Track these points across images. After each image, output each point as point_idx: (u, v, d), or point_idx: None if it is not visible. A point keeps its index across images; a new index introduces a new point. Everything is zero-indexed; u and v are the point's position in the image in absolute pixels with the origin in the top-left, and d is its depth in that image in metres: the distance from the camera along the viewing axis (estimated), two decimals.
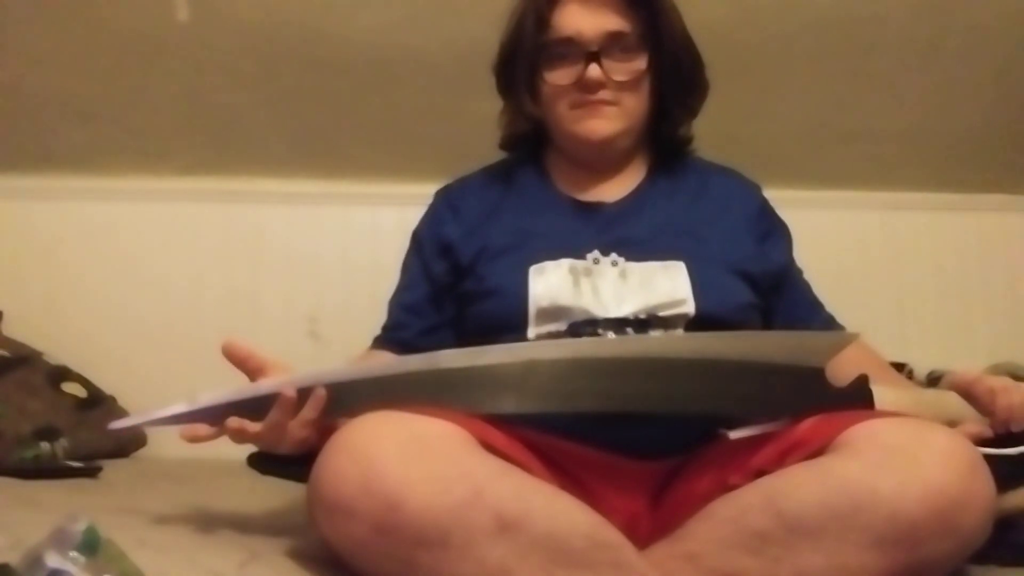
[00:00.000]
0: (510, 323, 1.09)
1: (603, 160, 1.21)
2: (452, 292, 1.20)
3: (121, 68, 1.66)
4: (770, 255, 1.20)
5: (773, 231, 1.24)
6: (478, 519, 0.80)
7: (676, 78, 1.18)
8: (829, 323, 1.26)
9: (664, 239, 1.14)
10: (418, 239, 1.26)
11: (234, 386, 0.98)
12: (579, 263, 1.11)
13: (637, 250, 1.12)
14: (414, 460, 0.82)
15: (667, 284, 1.09)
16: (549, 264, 1.11)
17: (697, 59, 1.21)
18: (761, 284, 1.16)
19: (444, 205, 1.25)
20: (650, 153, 1.26)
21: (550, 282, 1.09)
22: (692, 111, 1.24)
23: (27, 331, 1.65)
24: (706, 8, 1.55)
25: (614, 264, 1.11)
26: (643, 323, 1.08)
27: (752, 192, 1.26)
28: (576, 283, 1.09)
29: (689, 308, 1.08)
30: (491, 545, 0.80)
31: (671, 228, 1.17)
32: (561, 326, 1.08)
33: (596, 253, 1.12)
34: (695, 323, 1.08)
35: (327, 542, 0.88)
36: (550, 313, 1.08)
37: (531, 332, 1.08)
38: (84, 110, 1.72)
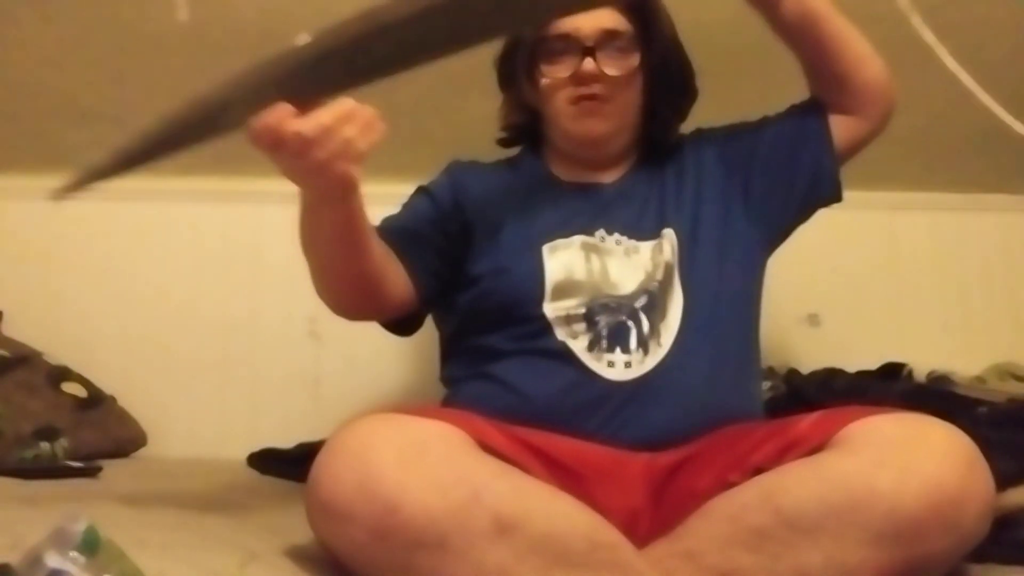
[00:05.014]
0: (527, 299, 1.11)
1: (597, 156, 1.24)
2: (451, 251, 1.20)
3: (121, 68, 1.66)
4: (755, 194, 1.22)
5: (739, 153, 1.24)
6: (476, 521, 0.80)
7: (666, 80, 1.22)
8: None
9: (659, 219, 1.18)
10: (430, 189, 1.26)
11: None
12: (590, 240, 1.15)
13: (636, 231, 1.16)
14: (411, 463, 0.82)
15: (668, 250, 1.14)
16: (561, 241, 1.14)
17: (687, 65, 1.24)
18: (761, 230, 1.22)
19: (459, 172, 1.27)
20: (638, 149, 1.27)
21: (564, 259, 1.12)
22: (681, 114, 1.27)
23: (27, 331, 1.65)
24: (707, 9, 1.55)
25: (618, 243, 1.15)
26: (650, 295, 1.11)
27: (702, 143, 1.27)
28: (587, 259, 1.13)
29: (674, 269, 1.14)
30: (489, 547, 0.80)
31: (664, 207, 1.19)
32: (576, 302, 1.10)
33: (602, 232, 1.16)
34: (711, 289, 1.13)
35: (325, 545, 0.88)
36: (565, 289, 1.10)
37: (547, 309, 1.10)
38: (84, 110, 1.72)
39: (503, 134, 1.30)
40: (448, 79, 1.65)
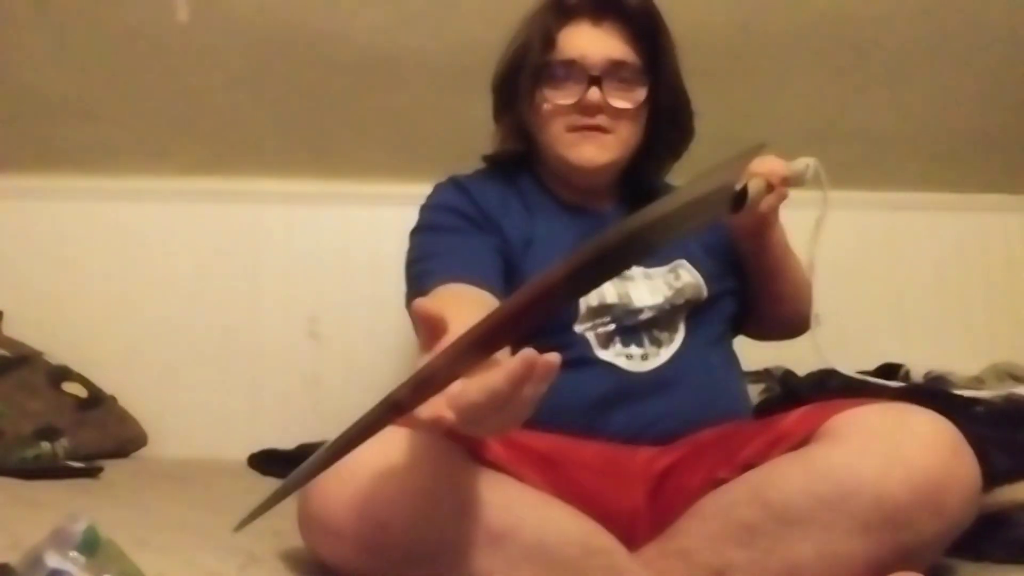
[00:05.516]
0: (560, 322, 1.09)
1: (587, 184, 1.22)
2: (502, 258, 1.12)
3: (121, 68, 1.66)
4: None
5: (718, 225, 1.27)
6: (468, 533, 0.81)
7: (669, 117, 1.21)
8: None
9: (669, 249, 1.18)
10: (458, 208, 1.16)
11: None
12: None
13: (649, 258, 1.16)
14: (402, 477, 0.82)
15: (686, 276, 1.16)
16: None
17: (688, 105, 1.23)
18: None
19: (470, 185, 1.20)
20: (625, 185, 1.26)
21: None
22: (676, 154, 1.26)
23: (27, 331, 1.65)
24: (707, 9, 1.55)
25: (631, 268, 1.14)
26: (674, 306, 1.12)
27: None
28: (614, 284, 1.12)
29: (703, 293, 1.15)
30: (482, 558, 0.81)
31: None
32: (606, 320, 1.10)
33: None
34: (705, 303, 1.16)
35: (317, 557, 0.88)
36: (598, 311, 1.10)
37: (578, 328, 1.09)
38: (84, 110, 1.72)
39: (493, 154, 1.27)
40: (448, 80, 1.65)
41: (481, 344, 0.64)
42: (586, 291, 0.71)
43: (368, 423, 0.66)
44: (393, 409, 0.65)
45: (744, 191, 1.10)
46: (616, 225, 0.58)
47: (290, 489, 0.70)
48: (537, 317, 0.64)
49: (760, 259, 1.22)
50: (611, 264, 0.63)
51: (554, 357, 0.64)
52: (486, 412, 0.64)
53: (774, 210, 1.15)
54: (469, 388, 0.64)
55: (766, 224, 1.17)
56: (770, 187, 1.13)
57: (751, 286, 1.25)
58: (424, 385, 0.64)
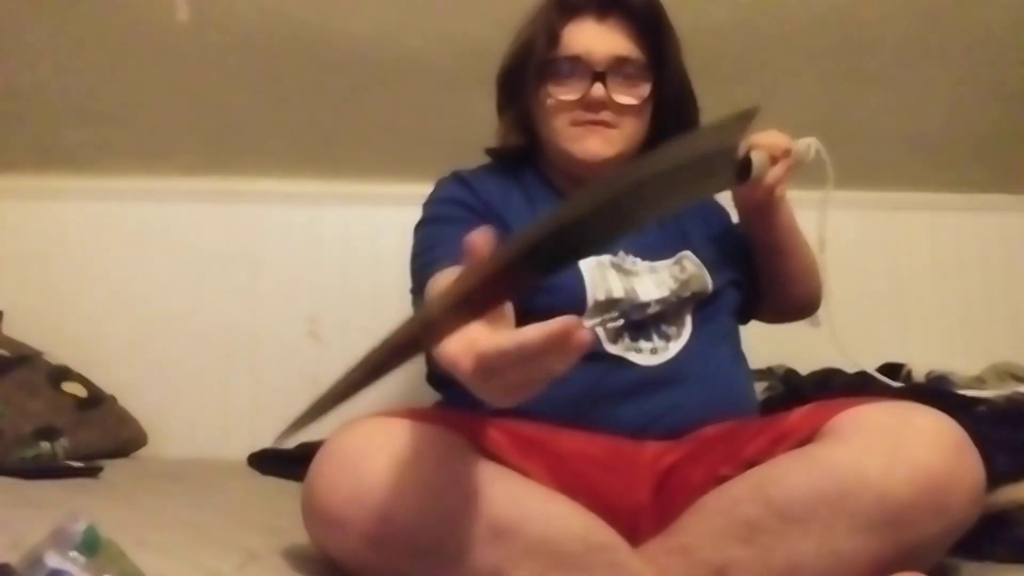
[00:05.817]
0: (568, 315, 1.08)
1: (591, 178, 1.21)
2: None
3: (121, 68, 1.66)
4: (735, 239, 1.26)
5: (720, 216, 1.29)
6: (470, 528, 0.81)
7: (674, 113, 1.21)
8: None
9: (667, 239, 1.18)
10: (461, 200, 1.17)
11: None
12: (615, 259, 1.14)
13: (651, 252, 1.16)
14: (405, 470, 0.82)
15: (691, 267, 1.16)
16: (592, 260, 1.13)
17: (693, 100, 1.23)
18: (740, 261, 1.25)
19: (472, 180, 1.21)
20: None
21: (602, 277, 1.11)
22: None
23: (27, 331, 1.65)
24: (706, 10, 1.56)
25: (635, 264, 1.15)
26: (681, 298, 1.12)
27: (707, 199, 1.29)
28: (620, 279, 1.12)
29: (708, 285, 1.15)
30: (485, 552, 0.81)
31: (675, 233, 1.20)
32: (614, 315, 1.10)
33: (622, 252, 1.15)
34: (711, 296, 1.15)
35: (321, 549, 0.88)
36: (605, 306, 1.10)
37: (587, 323, 1.09)
38: (84, 110, 1.72)
39: (495, 147, 1.27)
40: (448, 80, 1.65)
41: (502, 276, 0.63)
42: (595, 240, 0.67)
43: (394, 345, 0.63)
44: (420, 333, 0.64)
45: (748, 162, 1.10)
46: (622, 170, 0.55)
47: (315, 413, 0.66)
48: (550, 255, 0.63)
49: (769, 237, 1.22)
50: (619, 213, 0.61)
51: (589, 336, 0.63)
52: (509, 362, 0.64)
53: (780, 182, 1.16)
54: (500, 335, 0.64)
55: (773, 198, 1.17)
56: (773, 160, 1.13)
57: (760, 267, 1.25)
58: (449, 315, 0.63)
